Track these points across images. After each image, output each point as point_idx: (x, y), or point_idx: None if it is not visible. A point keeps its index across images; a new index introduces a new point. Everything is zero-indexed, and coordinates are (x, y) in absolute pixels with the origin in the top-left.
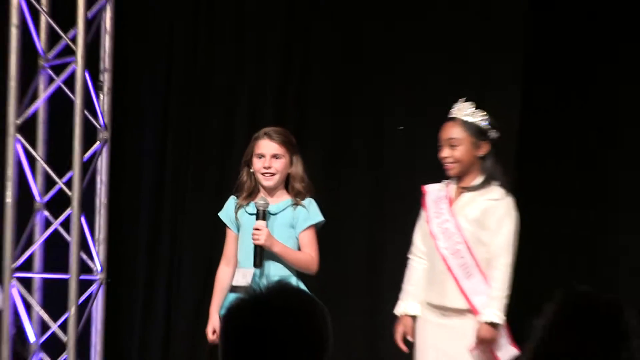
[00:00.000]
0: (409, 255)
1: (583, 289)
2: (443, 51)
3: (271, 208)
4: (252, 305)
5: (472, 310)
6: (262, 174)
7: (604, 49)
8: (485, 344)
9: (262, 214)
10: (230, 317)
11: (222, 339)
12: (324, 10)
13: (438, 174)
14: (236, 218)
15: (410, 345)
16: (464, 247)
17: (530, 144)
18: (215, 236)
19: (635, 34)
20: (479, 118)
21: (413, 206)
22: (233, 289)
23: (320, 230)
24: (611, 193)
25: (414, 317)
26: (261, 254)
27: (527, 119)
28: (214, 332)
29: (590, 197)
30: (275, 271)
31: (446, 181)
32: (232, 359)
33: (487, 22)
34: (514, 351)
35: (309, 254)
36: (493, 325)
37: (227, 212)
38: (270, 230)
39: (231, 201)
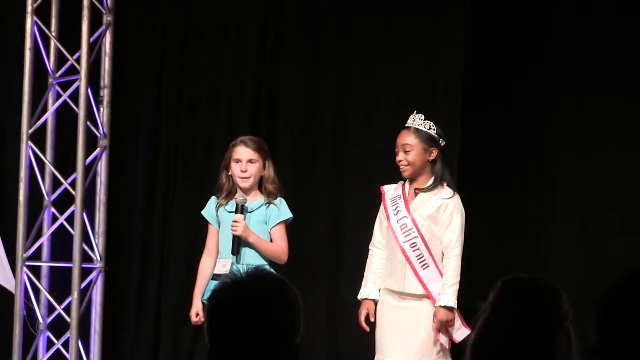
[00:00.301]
0: (370, 247)
1: (522, 275)
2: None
3: (247, 205)
4: (234, 288)
5: (428, 296)
6: (239, 177)
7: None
8: (443, 325)
9: (241, 209)
10: (214, 298)
11: (207, 318)
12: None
13: (391, 175)
14: (217, 215)
15: (371, 325)
16: (420, 240)
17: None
18: (198, 231)
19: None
20: (429, 127)
21: (369, 203)
22: (214, 277)
23: (289, 225)
24: (546, 189)
25: (374, 301)
26: (238, 243)
27: (467, 128)
28: (197, 314)
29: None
30: (250, 260)
31: (401, 182)
32: (217, 336)
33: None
34: (466, 332)
35: (279, 245)
36: (448, 308)
37: (209, 210)
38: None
39: (212, 201)
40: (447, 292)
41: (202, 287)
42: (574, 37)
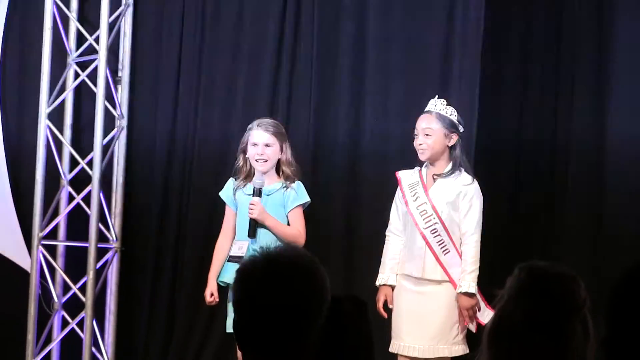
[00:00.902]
0: (387, 233)
1: (539, 263)
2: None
3: (265, 189)
4: (264, 259)
5: (449, 280)
6: (256, 160)
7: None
8: (467, 311)
9: (258, 192)
10: (244, 269)
11: (236, 292)
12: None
13: (407, 161)
14: (234, 197)
15: (389, 311)
16: (440, 226)
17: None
18: (214, 212)
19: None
20: (450, 113)
21: (385, 189)
22: (230, 258)
23: (306, 209)
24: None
25: (392, 287)
26: (255, 227)
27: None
28: (212, 295)
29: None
30: (267, 243)
31: (417, 168)
32: (244, 310)
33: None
34: (491, 313)
35: (296, 229)
36: (469, 295)
37: (226, 192)
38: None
39: (230, 183)
40: (467, 279)
41: (218, 268)
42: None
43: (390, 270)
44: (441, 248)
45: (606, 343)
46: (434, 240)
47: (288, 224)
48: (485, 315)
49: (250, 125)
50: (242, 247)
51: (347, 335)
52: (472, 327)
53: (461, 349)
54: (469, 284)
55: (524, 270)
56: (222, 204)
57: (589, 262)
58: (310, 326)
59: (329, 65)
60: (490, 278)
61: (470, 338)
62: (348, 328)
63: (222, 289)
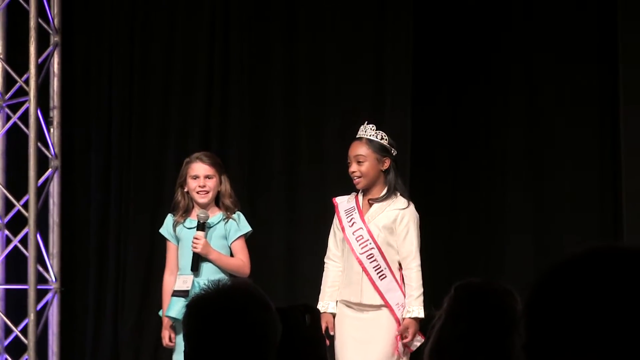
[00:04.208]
0: (325, 260)
1: (474, 280)
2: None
3: (209, 222)
4: (215, 292)
5: (386, 305)
6: (197, 192)
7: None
8: (410, 336)
9: (202, 226)
10: (196, 303)
11: (187, 327)
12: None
13: (345, 185)
14: (174, 233)
15: (331, 338)
16: (376, 251)
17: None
18: (153, 248)
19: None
20: (380, 137)
21: (323, 214)
22: (175, 293)
23: (248, 239)
24: (499, 194)
25: (332, 314)
26: (198, 260)
27: (417, 136)
28: (170, 336)
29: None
30: (211, 274)
31: (353, 193)
32: (199, 342)
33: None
34: (421, 340)
35: (240, 260)
36: (416, 320)
37: (166, 228)
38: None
39: (169, 218)
40: (415, 304)
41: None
42: (523, 32)
43: (329, 298)
44: (377, 273)
45: (526, 348)
46: (370, 266)
47: (231, 255)
48: (417, 341)
49: (187, 159)
50: (187, 280)
51: (300, 343)
52: (403, 353)
53: None
54: (418, 309)
55: (460, 288)
56: (160, 239)
57: (532, 275)
58: (265, 356)
59: (261, 94)
60: (430, 297)
61: None
62: (301, 336)
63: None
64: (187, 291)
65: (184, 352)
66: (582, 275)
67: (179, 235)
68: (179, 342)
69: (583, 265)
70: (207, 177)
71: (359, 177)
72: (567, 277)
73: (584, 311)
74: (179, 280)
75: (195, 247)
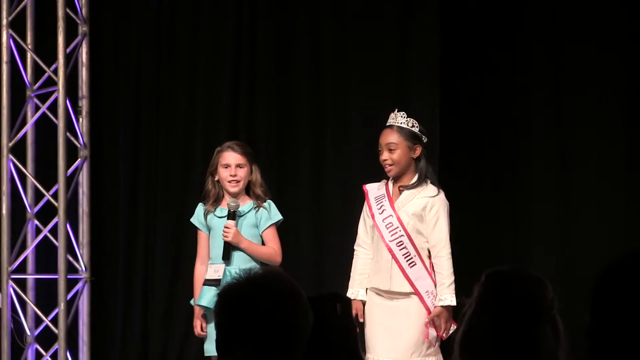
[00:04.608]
0: (355, 247)
1: (504, 268)
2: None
3: (239, 210)
4: (247, 281)
5: (415, 293)
6: (229, 181)
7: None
8: (445, 324)
9: (232, 215)
10: (228, 292)
11: (218, 313)
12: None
13: (372, 173)
14: (206, 222)
15: (361, 326)
16: (406, 238)
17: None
18: (182, 237)
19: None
20: (411, 125)
21: (352, 203)
22: (207, 282)
23: (280, 227)
24: (525, 186)
25: (362, 302)
26: (229, 249)
27: (446, 124)
28: (202, 326)
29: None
30: (242, 264)
31: (384, 180)
32: (231, 331)
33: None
34: (454, 327)
35: (272, 248)
36: (448, 308)
37: (197, 217)
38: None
39: (200, 207)
40: (446, 292)
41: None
42: (545, 26)
43: (359, 285)
44: (407, 261)
45: (590, 333)
46: (399, 253)
47: (262, 244)
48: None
49: (219, 148)
50: (218, 270)
51: (331, 333)
52: (434, 340)
53: None
54: (451, 297)
55: (490, 276)
56: (190, 227)
57: (560, 262)
58: (297, 345)
59: (287, 84)
60: (460, 286)
61: (443, 348)
62: (331, 325)
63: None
64: (219, 280)
65: (216, 340)
66: None
67: (210, 225)
68: (210, 332)
69: None
70: (239, 166)
71: (391, 165)
72: (634, 267)
73: None
74: (210, 269)
75: (226, 236)
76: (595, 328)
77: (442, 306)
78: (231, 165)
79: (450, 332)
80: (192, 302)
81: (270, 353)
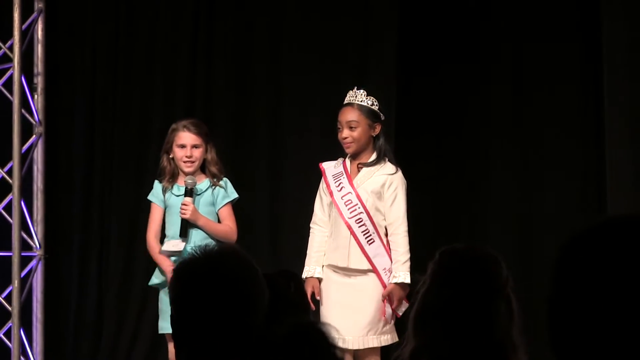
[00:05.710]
0: (311, 225)
1: (459, 245)
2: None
3: (196, 188)
4: (204, 257)
5: (373, 270)
6: (184, 162)
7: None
8: (398, 301)
9: (190, 192)
10: (184, 267)
11: (174, 289)
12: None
13: (328, 152)
14: (164, 198)
15: (317, 303)
16: (365, 215)
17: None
18: (137, 215)
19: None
20: (371, 103)
21: (308, 181)
22: (168, 253)
23: (236, 205)
24: (482, 161)
25: (318, 279)
26: (186, 227)
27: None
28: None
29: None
30: (199, 241)
31: (341, 158)
32: (187, 307)
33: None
34: (406, 305)
35: (228, 226)
36: (402, 285)
37: (155, 195)
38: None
39: (157, 184)
40: (401, 269)
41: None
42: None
43: (315, 263)
44: (366, 238)
45: (552, 301)
46: (358, 230)
47: (218, 221)
48: (401, 307)
49: (174, 125)
50: (178, 245)
51: (285, 310)
52: (389, 318)
53: (390, 338)
54: (405, 274)
55: (444, 254)
56: (146, 205)
57: (515, 241)
58: (252, 321)
59: (245, 63)
60: (415, 264)
61: (398, 325)
62: (285, 302)
63: (154, 291)
64: (180, 252)
65: (170, 316)
66: (610, 238)
67: (167, 203)
68: (165, 309)
69: (611, 229)
70: (194, 146)
71: (351, 142)
72: (596, 239)
73: (609, 272)
74: (169, 243)
75: (184, 214)
76: (557, 296)
77: (395, 283)
78: (187, 145)
79: (404, 309)
80: (153, 278)
81: (225, 329)
